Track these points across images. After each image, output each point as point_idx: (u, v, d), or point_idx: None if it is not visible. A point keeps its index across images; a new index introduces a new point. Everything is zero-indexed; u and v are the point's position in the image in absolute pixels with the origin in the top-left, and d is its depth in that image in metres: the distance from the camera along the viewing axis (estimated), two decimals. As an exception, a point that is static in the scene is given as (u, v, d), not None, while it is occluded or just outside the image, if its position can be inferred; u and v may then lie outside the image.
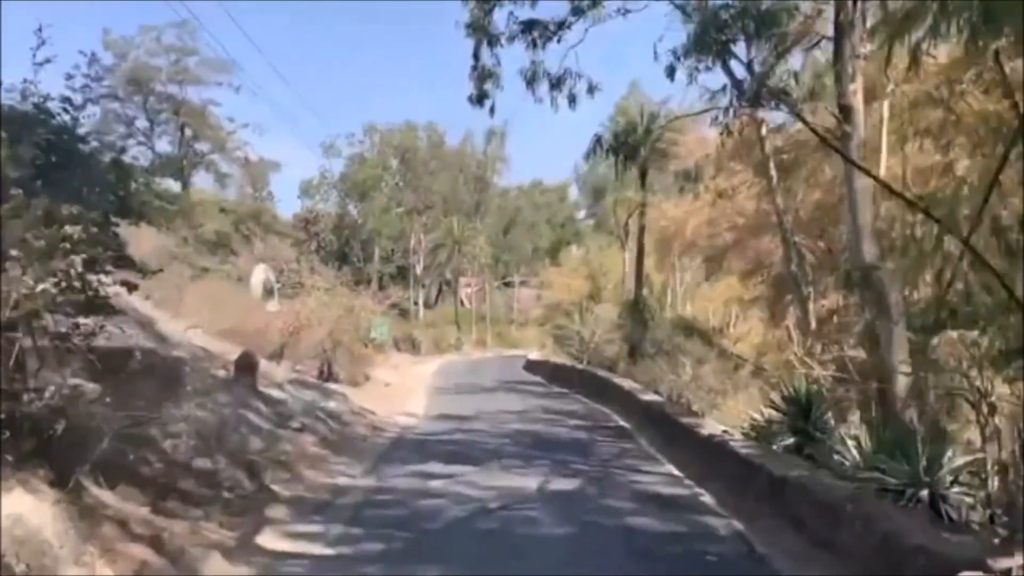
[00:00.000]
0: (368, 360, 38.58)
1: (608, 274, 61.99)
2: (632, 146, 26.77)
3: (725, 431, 11.02)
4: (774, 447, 10.11)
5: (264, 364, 20.41)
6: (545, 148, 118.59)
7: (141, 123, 39.75)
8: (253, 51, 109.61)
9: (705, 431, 11.37)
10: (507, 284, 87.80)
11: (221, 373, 14.95)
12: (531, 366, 40.91)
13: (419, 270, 69.10)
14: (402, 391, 25.54)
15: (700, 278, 36.82)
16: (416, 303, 68.82)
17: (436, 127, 68.41)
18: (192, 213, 33.38)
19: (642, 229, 30.00)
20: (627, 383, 21.96)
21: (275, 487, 9.51)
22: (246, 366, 14.55)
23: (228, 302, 25.66)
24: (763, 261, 20.20)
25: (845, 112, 10.88)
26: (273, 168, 52.90)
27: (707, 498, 9.20)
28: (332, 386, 21.54)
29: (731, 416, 18.86)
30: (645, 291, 31.53)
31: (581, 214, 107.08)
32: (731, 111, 12.12)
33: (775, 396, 11.05)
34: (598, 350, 33.33)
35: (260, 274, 35.46)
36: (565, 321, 38.74)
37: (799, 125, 14.85)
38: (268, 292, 36.56)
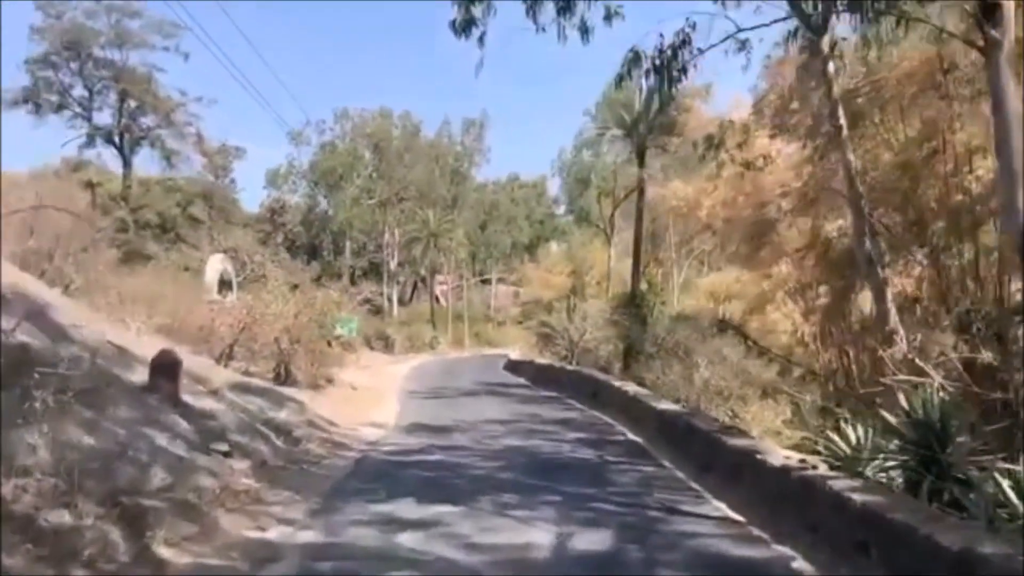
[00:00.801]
0: (335, 360, 35.51)
1: (592, 269, 59.26)
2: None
3: (803, 460, 8.09)
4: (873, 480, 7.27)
5: (206, 366, 17.29)
6: (522, 144, 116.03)
7: (79, 92, 35.96)
8: (225, 35, 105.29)
9: (770, 458, 8.46)
10: (484, 281, 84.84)
11: (136, 379, 11.78)
12: (513, 366, 37.93)
13: (393, 265, 65.89)
14: (371, 395, 22.44)
15: (698, 270, 34.13)
16: (390, 300, 65.62)
17: (411, 116, 65.31)
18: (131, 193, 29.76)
19: (640, 212, 27.18)
20: (630, 387, 19.08)
21: (165, 551, 6.44)
22: (165, 369, 11.38)
23: (172, 295, 22.42)
24: (809, 241, 17.37)
25: (989, 11, 8.03)
26: (237, 155, 49.43)
27: (808, 569, 6.30)
28: (288, 391, 18.40)
29: (758, 427, 16.11)
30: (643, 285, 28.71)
31: (560, 210, 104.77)
32: (796, 35, 9.20)
33: (892, 417, 8.03)
34: (588, 349, 30.50)
35: (217, 265, 32.18)
36: (550, 318, 35.86)
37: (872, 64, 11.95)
38: (226, 285, 33.29)
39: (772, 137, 16.78)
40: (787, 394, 17.02)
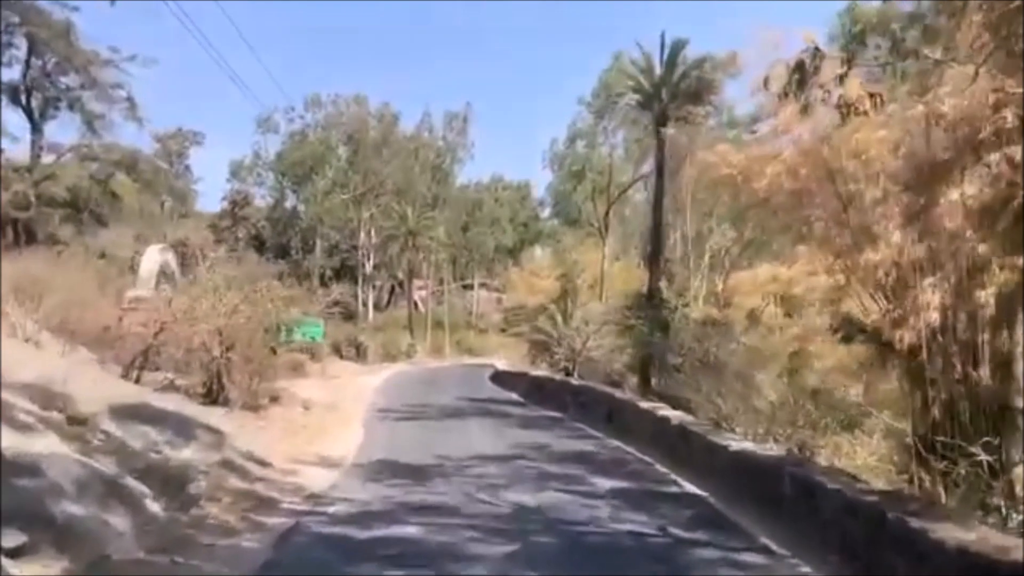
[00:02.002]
0: (289, 370, 30.88)
1: (584, 272, 54.87)
2: None
3: None
4: None
5: (97, 379, 12.69)
6: (506, 147, 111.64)
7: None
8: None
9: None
10: (466, 287, 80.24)
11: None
12: (501, 378, 33.38)
13: (369, 268, 61.09)
14: (329, 417, 17.80)
15: (719, 269, 29.78)
16: (365, 304, 60.80)
17: (390, 108, 60.60)
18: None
19: (659, 192, 22.79)
20: (665, 410, 14.60)
21: None
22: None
23: (75, 286, 17.67)
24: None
25: None
26: (195, 140, 44.47)
27: None
28: (212, 414, 13.79)
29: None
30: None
31: (546, 213, 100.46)
32: None
33: None
34: (591, 359, 26.05)
35: (155, 256, 27.32)
36: (544, 323, 31.36)
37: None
38: (169, 280, 28.42)
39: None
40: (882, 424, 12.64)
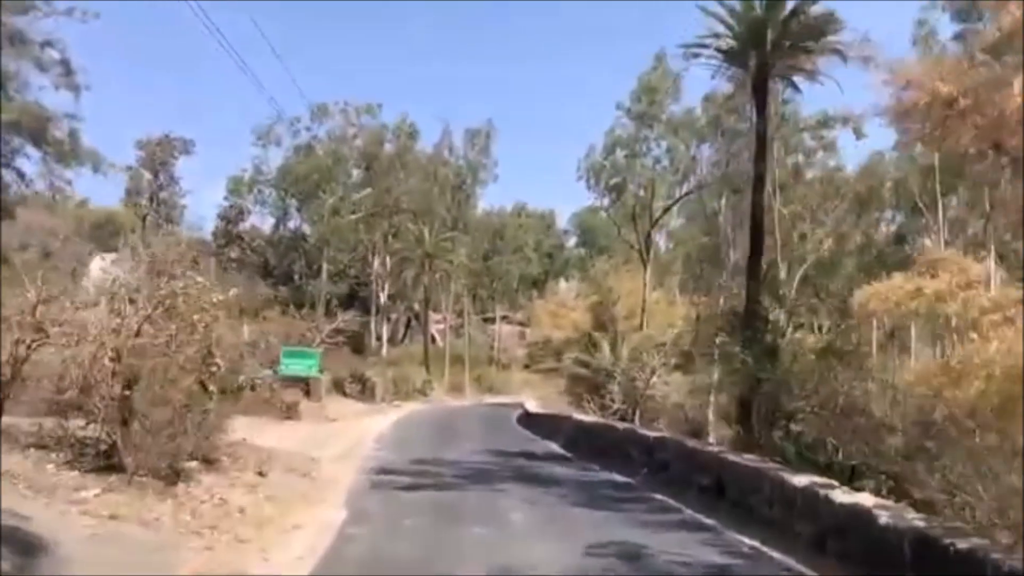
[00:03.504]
0: (280, 409, 25.28)
1: (620, 301, 48.82)
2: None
3: None
4: None
5: None
6: (526, 176, 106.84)
7: None
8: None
9: None
10: (487, 320, 74.46)
11: None
12: (533, 422, 27.42)
13: (383, 297, 55.52)
14: (291, 488, 11.86)
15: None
16: (379, 338, 55.15)
17: (407, 122, 55.46)
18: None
19: (760, 171, 16.91)
20: (860, 500, 8.57)
21: None
22: None
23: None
24: None
25: None
26: (183, 149, 39.38)
27: None
28: (89, 485, 8.10)
29: None
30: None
31: (571, 243, 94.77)
32: None
33: None
34: (653, 399, 20.08)
35: (102, 268, 21.80)
36: (589, 355, 25.43)
37: None
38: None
39: None
40: None
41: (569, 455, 18.99)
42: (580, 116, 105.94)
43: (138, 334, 10.22)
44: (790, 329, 15.18)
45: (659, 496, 12.67)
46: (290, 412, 26.55)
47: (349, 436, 22.27)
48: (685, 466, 13.14)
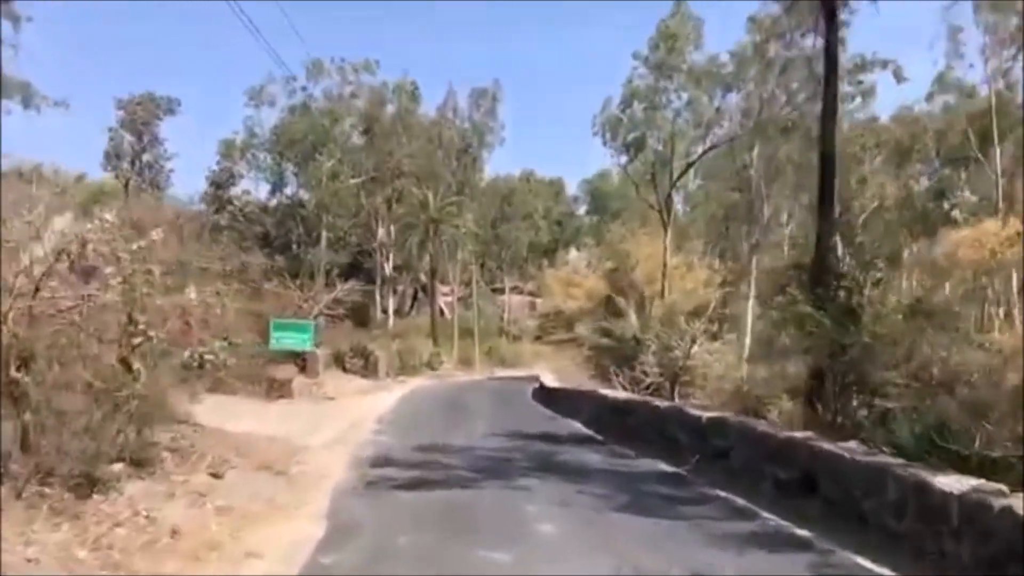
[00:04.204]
0: (271, 387, 22.85)
1: (638, 267, 46.01)
2: None
3: None
4: None
5: None
6: (534, 139, 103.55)
7: None
8: None
9: None
10: (496, 290, 71.82)
11: None
12: (551, 398, 24.85)
13: (388, 268, 52.90)
14: (254, 494, 9.23)
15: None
16: (385, 311, 52.63)
17: (409, 83, 52.24)
18: None
19: (831, 82, 13.92)
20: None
21: None
22: None
23: None
24: None
25: None
26: (167, 107, 36.45)
27: None
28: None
29: None
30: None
31: (581, 210, 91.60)
32: None
33: None
34: (693, 373, 17.40)
35: (63, 228, 19.24)
36: (613, 323, 22.71)
37: None
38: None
39: None
40: None
41: (598, 437, 16.39)
42: (590, 79, 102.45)
43: (36, 295, 7.59)
44: (868, 285, 12.37)
45: (721, 493, 10.05)
46: (282, 390, 24.07)
47: (346, 417, 19.74)
48: (753, 454, 10.49)
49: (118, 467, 7.97)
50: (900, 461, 7.99)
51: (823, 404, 11.72)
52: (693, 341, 17.16)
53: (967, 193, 36.79)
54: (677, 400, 16.26)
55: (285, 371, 26.10)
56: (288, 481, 10.24)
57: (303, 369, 27.39)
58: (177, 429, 11.06)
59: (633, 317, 22.61)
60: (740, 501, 9.54)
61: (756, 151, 32.82)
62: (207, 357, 14.05)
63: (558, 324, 69.47)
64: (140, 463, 8.26)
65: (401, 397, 27.08)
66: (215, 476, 9.06)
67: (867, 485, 7.87)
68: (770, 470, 9.85)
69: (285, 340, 23.66)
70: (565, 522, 8.26)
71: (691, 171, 45.62)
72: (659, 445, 13.69)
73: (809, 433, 9.69)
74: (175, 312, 9.48)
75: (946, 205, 36.84)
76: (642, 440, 14.58)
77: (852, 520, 7.91)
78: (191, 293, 9.32)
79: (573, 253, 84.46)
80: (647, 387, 18.57)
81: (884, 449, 9.03)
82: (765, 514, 8.81)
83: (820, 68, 15.92)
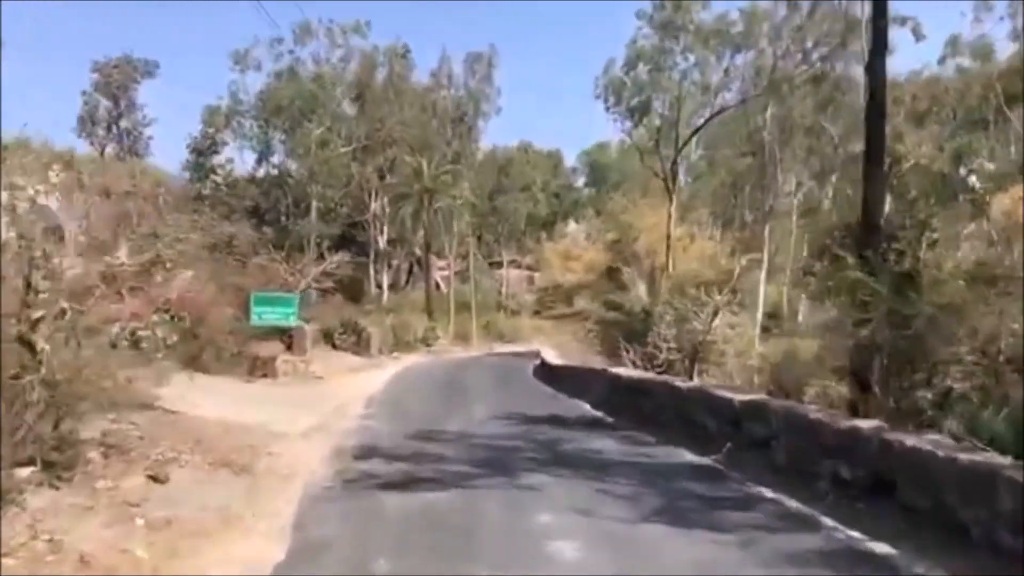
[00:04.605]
0: (256, 364, 21.39)
1: (640, 238, 44.27)
2: None
3: None
4: None
5: None
6: (530, 111, 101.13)
7: None
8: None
9: None
10: (493, 264, 70.12)
11: None
12: (554, 376, 23.28)
13: (382, 242, 51.06)
14: (201, 502, 7.56)
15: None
16: (379, 286, 50.90)
17: (401, 47, 49.95)
18: None
19: (880, 38, 12.15)
20: None
21: None
22: None
23: None
24: None
25: None
26: (145, 70, 34.35)
27: None
28: None
29: None
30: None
31: (580, 182, 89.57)
32: None
33: None
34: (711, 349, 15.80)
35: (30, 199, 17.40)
36: (620, 296, 21.05)
37: None
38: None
39: None
40: None
41: (609, 420, 14.79)
42: (587, 48, 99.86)
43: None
44: (924, 247, 10.69)
45: (768, 492, 8.44)
46: (265, 369, 22.45)
47: (333, 398, 18.15)
48: (803, 445, 8.87)
49: (25, 472, 6.30)
50: (1008, 461, 6.36)
51: (880, 385, 10.07)
52: (716, 313, 15.52)
53: (985, 162, 35.09)
54: (696, 379, 14.64)
55: (270, 348, 24.47)
56: (251, 482, 8.59)
57: (290, 346, 25.73)
58: (126, 418, 9.40)
59: (642, 288, 20.93)
60: (793, 504, 7.93)
61: (769, 112, 30.97)
62: (141, 334, 12.27)
63: (557, 298, 68.02)
64: (57, 466, 6.59)
65: (394, 375, 25.49)
66: (155, 479, 7.40)
67: (967, 490, 6.25)
68: (827, 466, 8.23)
69: (268, 315, 21.97)
70: (588, 539, 6.61)
71: (692, 142, 43.79)
72: (681, 430, 12.09)
73: (877, 422, 8.04)
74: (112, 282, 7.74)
75: (962, 171, 35.13)
76: (659, 424, 12.98)
77: (948, 534, 6.30)
78: (121, 255, 7.58)
79: (572, 226, 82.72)
80: (659, 364, 16.94)
81: (973, 442, 7.39)
82: (828, 522, 7.19)
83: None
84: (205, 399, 14.39)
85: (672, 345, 16.11)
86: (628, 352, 16.91)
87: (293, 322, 22.62)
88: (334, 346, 30.60)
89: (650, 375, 14.78)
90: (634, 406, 14.62)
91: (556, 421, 14.53)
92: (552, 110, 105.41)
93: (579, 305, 57.03)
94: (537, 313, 64.57)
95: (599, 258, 51.79)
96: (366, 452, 10.95)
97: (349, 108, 44.55)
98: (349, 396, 18.78)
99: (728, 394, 11.09)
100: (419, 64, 53.42)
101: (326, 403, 17.07)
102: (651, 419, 13.49)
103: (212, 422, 12.48)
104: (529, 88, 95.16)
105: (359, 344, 32.00)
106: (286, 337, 25.58)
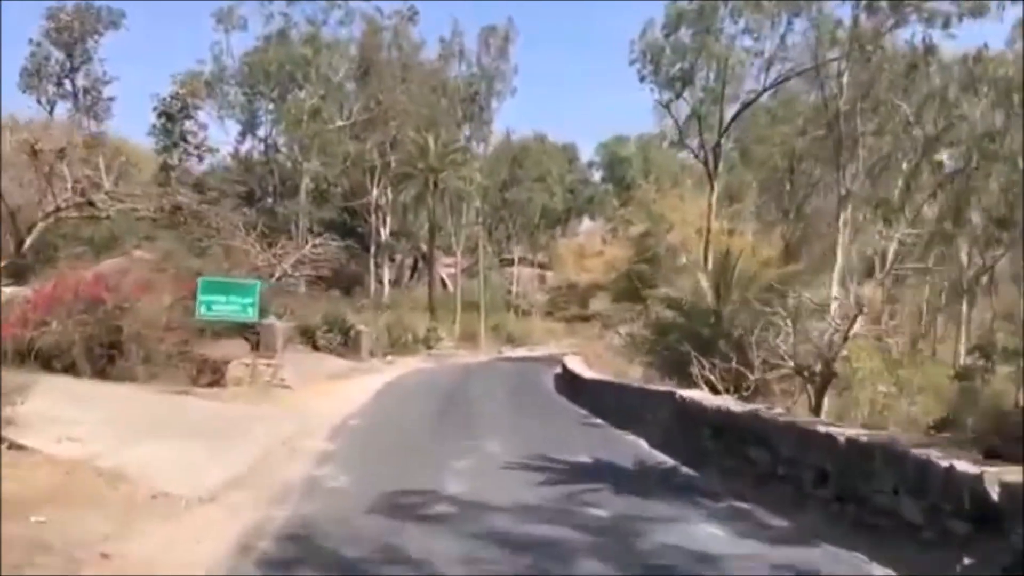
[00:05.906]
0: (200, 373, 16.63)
1: (672, 231, 39.07)
2: None
3: None
4: None
5: None
6: (546, 101, 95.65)
7: None
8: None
9: None
10: (503, 262, 65.29)
11: None
12: (583, 393, 18.20)
13: (384, 233, 45.96)
14: None
15: None
16: (380, 281, 45.85)
17: (407, 9, 44.68)
18: None
19: None
20: None
21: None
22: None
23: None
24: None
25: None
26: (107, 19, 29.40)
27: None
28: None
29: None
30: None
31: (597, 176, 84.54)
32: None
33: None
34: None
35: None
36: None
37: None
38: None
39: None
40: None
41: (687, 472, 9.71)
42: (603, 39, 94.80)
43: None
44: None
45: None
46: (214, 376, 17.43)
47: (290, 421, 13.10)
48: None
49: None
50: None
51: None
52: (859, 313, 10.30)
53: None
54: (823, 415, 9.56)
55: (228, 349, 19.40)
56: None
57: (256, 346, 20.62)
58: None
59: (703, 281, 15.84)
60: None
61: (846, 78, 25.82)
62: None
63: (570, 299, 63.32)
64: None
65: (382, 388, 20.41)
66: None
67: None
68: None
69: (219, 307, 16.91)
70: None
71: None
72: (840, 514, 6.99)
73: None
74: None
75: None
76: (785, 493, 7.88)
77: None
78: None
79: (587, 223, 77.99)
80: (747, 388, 11.85)
81: None
82: None
83: None
84: (86, 423, 9.71)
85: (785, 360, 11.02)
86: (704, 367, 11.79)
87: (252, 316, 17.54)
88: (315, 347, 25.53)
89: (752, 407, 9.63)
90: (730, 453, 9.52)
91: (612, 475, 9.43)
92: (567, 103, 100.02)
93: (595, 306, 52.34)
94: (549, 314, 60.29)
95: (621, 254, 46.63)
96: (294, 549, 5.95)
97: (347, 77, 39.47)
98: (315, 417, 13.72)
99: (962, 465, 5.91)
100: (428, 41, 48.59)
101: (276, 429, 12.04)
102: (770, 479, 8.40)
103: (60, 468, 7.76)
104: (543, 80, 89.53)
105: (347, 345, 26.93)
106: (252, 335, 20.50)
